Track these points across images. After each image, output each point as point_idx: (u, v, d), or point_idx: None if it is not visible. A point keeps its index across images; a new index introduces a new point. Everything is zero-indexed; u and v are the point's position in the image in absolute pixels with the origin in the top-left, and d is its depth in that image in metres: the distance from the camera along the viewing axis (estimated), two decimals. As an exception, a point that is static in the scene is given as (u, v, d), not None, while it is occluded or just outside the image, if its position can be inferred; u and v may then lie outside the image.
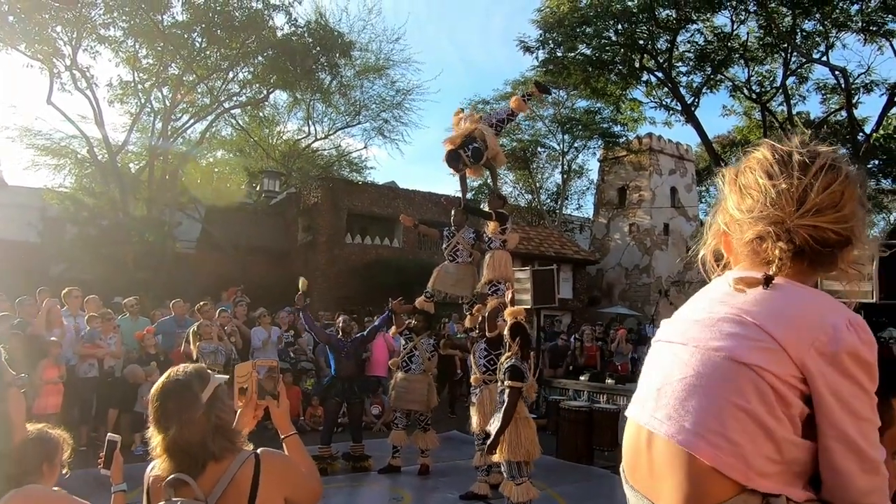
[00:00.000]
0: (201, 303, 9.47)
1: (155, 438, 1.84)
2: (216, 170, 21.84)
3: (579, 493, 7.03)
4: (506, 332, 5.57)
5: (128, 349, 9.24)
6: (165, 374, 1.91)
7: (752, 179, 1.09)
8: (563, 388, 10.91)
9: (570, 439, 8.61)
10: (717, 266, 1.16)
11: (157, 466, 1.86)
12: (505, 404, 5.21)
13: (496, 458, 5.32)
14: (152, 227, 16.58)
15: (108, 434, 2.61)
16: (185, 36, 17.66)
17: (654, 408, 1.02)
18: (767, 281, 1.01)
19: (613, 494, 7.33)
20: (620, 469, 1.12)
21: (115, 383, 8.78)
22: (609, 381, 10.81)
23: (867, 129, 18.87)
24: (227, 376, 2.01)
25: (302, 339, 11.52)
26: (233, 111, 20.88)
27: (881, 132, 12.34)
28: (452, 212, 8.05)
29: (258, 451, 1.91)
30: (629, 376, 12.48)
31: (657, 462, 1.00)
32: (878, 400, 0.99)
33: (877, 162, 23.49)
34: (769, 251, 1.05)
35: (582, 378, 11.03)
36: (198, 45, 18.07)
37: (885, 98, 18.51)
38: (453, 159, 7.84)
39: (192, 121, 19.51)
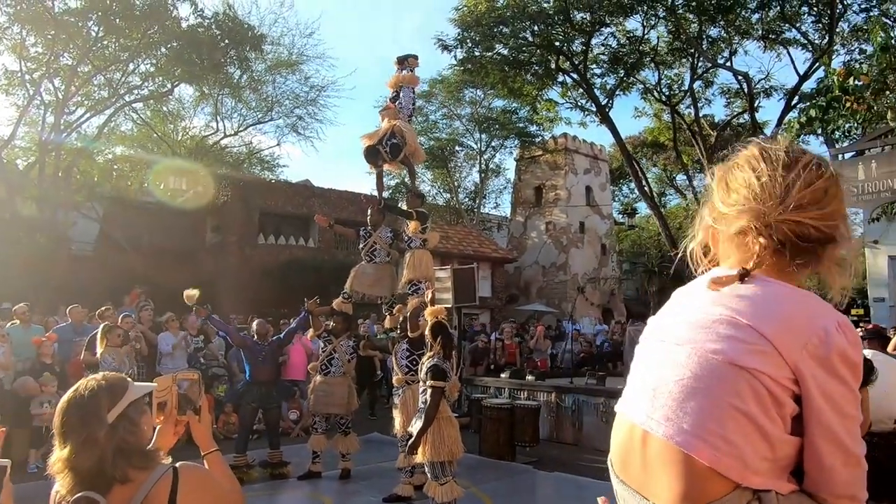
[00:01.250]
0: (103, 308, 8.79)
1: (56, 453, 1.73)
2: (115, 166, 20.54)
3: (503, 490, 7.02)
4: (427, 331, 5.50)
5: (18, 360, 8.51)
6: (75, 385, 1.81)
7: (738, 175, 1.12)
8: (484, 385, 10.92)
9: (492, 436, 8.61)
10: (705, 258, 1.18)
11: (58, 483, 1.74)
12: (427, 404, 5.10)
13: (419, 458, 5.24)
14: (44, 228, 15.38)
15: None
16: (80, 24, 16.55)
17: (650, 408, 1.04)
18: (742, 276, 1.04)
19: (535, 489, 7.38)
20: (608, 462, 1.13)
21: (3, 397, 8.02)
22: (529, 377, 10.93)
23: (767, 132, 20.01)
24: (151, 385, 1.91)
25: (213, 344, 10.98)
26: (134, 105, 19.76)
27: (783, 135, 13.22)
28: (369, 211, 7.85)
29: (176, 465, 1.80)
30: (548, 372, 12.71)
31: (652, 460, 1.02)
32: None
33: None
34: (750, 245, 1.07)
35: (503, 375, 11.08)
36: (94, 33, 16.95)
37: (783, 102, 19.73)
38: (372, 155, 7.70)
39: (88, 114, 18.32)
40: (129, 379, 1.88)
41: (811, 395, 0.97)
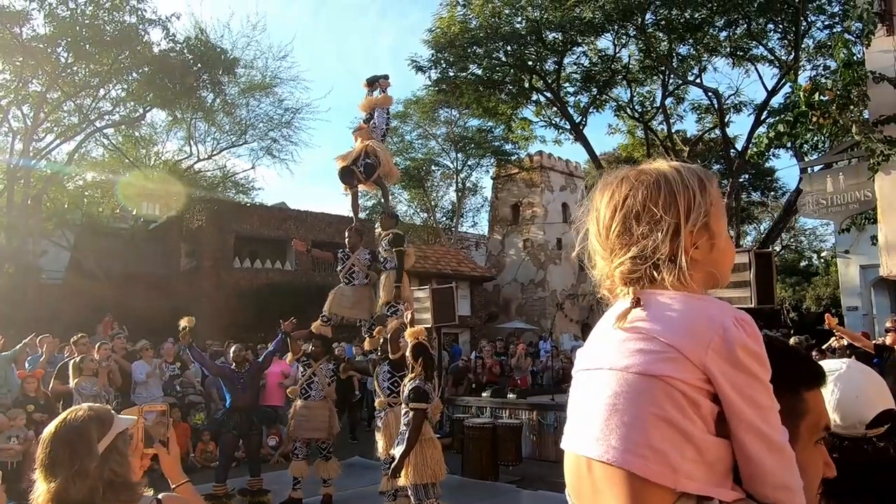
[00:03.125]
0: (77, 335, 8.58)
1: (40, 487, 1.67)
2: (86, 193, 20.21)
3: (488, 512, 6.91)
4: (408, 353, 5.46)
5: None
6: (61, 416, 1.74)
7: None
8: (466, 405, 10.84)
9: (475, 456, 8.55)
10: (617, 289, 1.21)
11: None
12: (409, 427, 5.03)
13: (402, 481, 5.16)
14: (13, 258, 15.03)
15: None
16: (49, 50, 16.35)
17: (583, 434, 1.07)
18: (637, 303, 1.08)
19: (520, 509, 7.35)
20: (567, 494, 1.16)
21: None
22: (511, 395, 10.89)
23: (738, 147, 20.38)
24: (135, 418, 1.87)
25: (189, 372, 10.80)
26: (105, 130, 19.51)
27: (753, 149, 13.47)
28: (346, 233, 7.78)
29: (160, 496, 1.82)
30: (529, 389, 12.68)
31: (598, 484, 1.05)
32: (789, 391, 1.10)
33: (747, 176, 25.35)
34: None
35: (484, 395, 11.04)
36: (63, 60, 16.76)
37: (752, 117, 20.12)
38: (346, 175, 7.68)
39: (57, 141, 18.03)
40: (112, 410, 1.85)
41: (724, 391, 1.01)
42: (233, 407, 7.20)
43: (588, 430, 1.06)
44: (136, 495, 1.75)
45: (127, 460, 1.76)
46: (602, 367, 1.09)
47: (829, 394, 1.31)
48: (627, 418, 1.01)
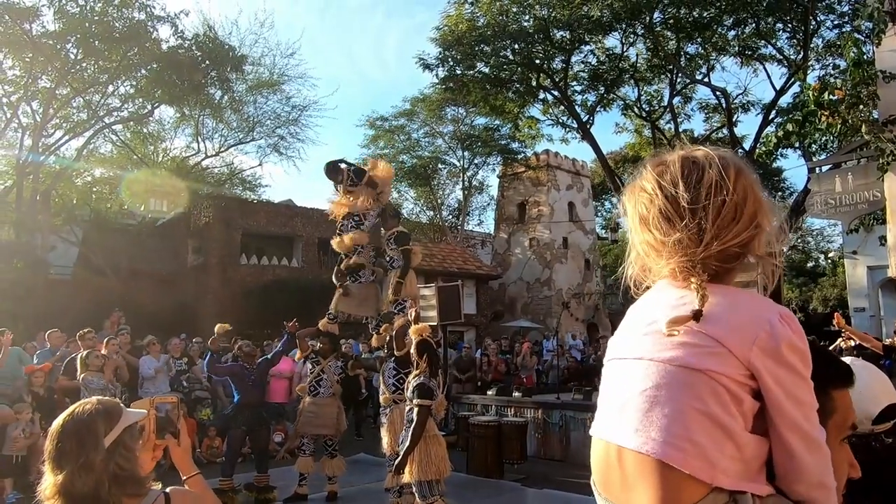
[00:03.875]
0: (84, 330, 8.63)
1: (47, 479, 1.69)
2: (95, 189, 20.31)
3: (492, 510, 6.91)
4: (413, 350, 5.48)
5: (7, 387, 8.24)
6: (70, 409, 1.77)
7: (649, 214, 1.14)
8: (471, 403, 10.85)
9: (480, 454, 8.54)
10: (648, 276, 1.21)
11: None
12: (413, 423, 5.05)
13: (406, 478, 5.19)
14: (22, 253, 15.11)
15: None
16: (58, 46, 16.41)
17: (619, 424, 1.07)
18: (697, 316, 1.06)
19: (524, 507, 7.35)
20: (592, 483, 1.16)
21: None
22: (516, 394, 10.89)
23: (746, 146, 20.27)
24: (144, 412, 1.89)
25: (196, 367, 10.82)
26: (113, 127, 19.59)
27: (762, 149, 13.39)
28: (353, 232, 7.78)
29: (167, 490, 1.82)
30: (535, 388, 12.67)
31: (629, 474, 1.05)
32: (817, 390, 1.08)
33: (755, 176, 25.07)
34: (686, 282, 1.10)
35: (489, 392, 11.03)
36: (73, 56, 16.83)
37: (760, 117, 20.02)
38: (332, 171, 7.66)
39: (66, 137, 18.12)
40: (121, 404, 1.87)
41: (768, 387, 1.02)
42: (242, 403, 7.23)
43: (625, 420, 1.06)
44: (143, 489, 1.76)
45: (134, 455, 1.77)
46: (642, 357, 1.08)
47: None
48: (669, 411, 1.02)
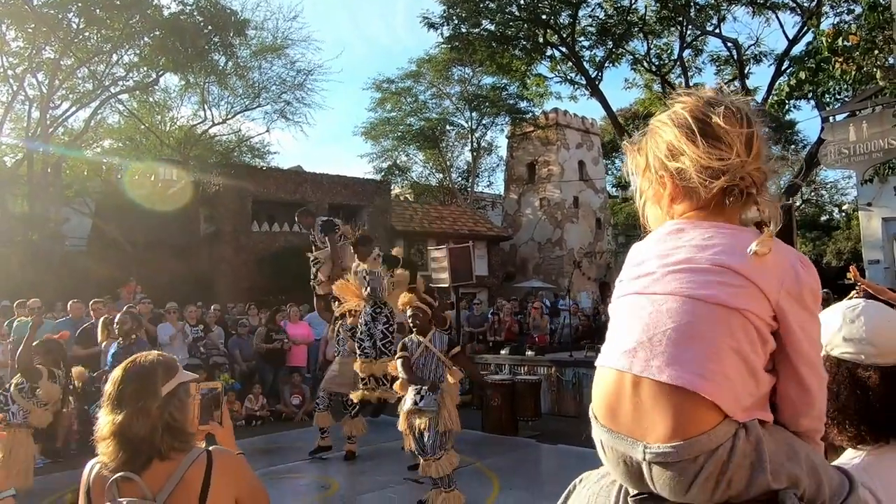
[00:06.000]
0: (95, 300, 8.75)
1: (104, 419, 1.78)
2: (105, 160, 20.37)
3: (507, 465, 7.07)
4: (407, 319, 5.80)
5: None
6: (131, 358, 1.88)
7: (719, 131, 1.13)
8: (485, 362, 10.96)
9: (494, 412, 8.65)
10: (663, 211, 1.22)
11: (100, 452, 1.78)
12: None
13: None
14: (36, 225, 15.26)
15: None
16: (60, 16, 16.29)
17: (648, 356, 1.08)
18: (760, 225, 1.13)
19: (539, 462, 7.50)
20: (591, 414, 1.20)
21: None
22: (529, 352, 10.99)
23: (758, 98, 19.88)
24: (194, 375, 1.97)
25: (213, 333, 10.99)
26: (120, 96, 19.54)
27: (774, 98, 13.16)
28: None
29: (210, 448, 1.88)
30: (547, 347, 12.79)
31: (646, 403, 1.07)
32: None
33: (767, 129, 24.76)
34: (704, 194, 1.13)
35: (503, 352, 11.13)
36: (75, 25, 16.71)
37: (773, 68, 19.59)
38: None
39: (73, 108, 18.13)
40: (178, 361, 1.96)
41: (791, 329, 1.08)
42: None
43: (656, 352, 1.08)
44: (190, 444, 1.84)
45: (186, 408, 1.86)
46: (675, 292, 1.10)
47: (857, 327, 1.35)
48: (704, 346, 1.05)
